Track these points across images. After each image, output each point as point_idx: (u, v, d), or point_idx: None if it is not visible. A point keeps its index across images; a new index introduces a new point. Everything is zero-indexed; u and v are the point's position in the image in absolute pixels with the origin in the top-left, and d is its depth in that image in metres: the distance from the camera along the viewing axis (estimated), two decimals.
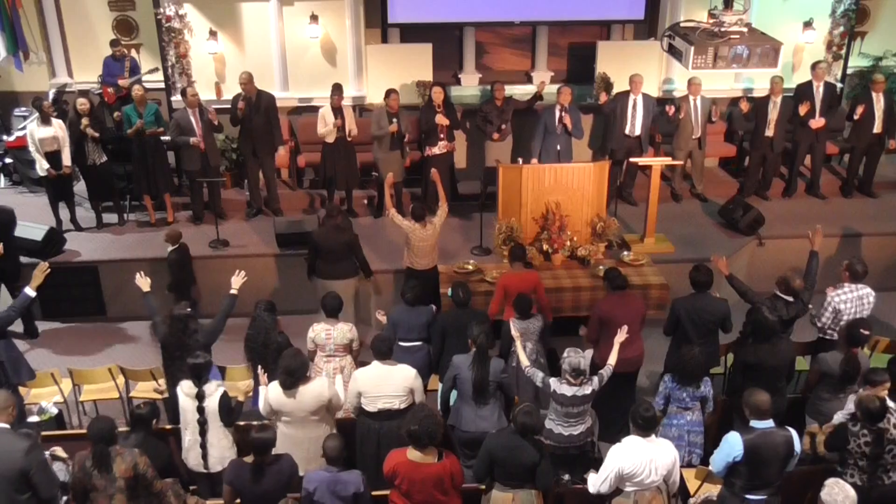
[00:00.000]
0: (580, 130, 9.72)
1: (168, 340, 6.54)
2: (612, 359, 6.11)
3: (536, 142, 9.70)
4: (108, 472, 4.98)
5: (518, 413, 5.24)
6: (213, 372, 6.26)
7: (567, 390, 5.83)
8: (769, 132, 10.02)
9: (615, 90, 10.51)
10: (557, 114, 9.54)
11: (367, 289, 8.87)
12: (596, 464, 6.07)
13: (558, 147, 9.58)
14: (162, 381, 6.46)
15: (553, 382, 5.90)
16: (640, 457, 5.15)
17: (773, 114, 9.94)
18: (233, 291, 6.87)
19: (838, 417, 5.83)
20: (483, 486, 5.51)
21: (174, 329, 6.47)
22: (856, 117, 10.04)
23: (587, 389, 5.85)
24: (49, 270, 6.72)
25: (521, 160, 9.37)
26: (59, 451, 5.66)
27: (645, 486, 5.19)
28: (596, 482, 5.24)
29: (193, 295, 8.64)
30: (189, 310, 6.47)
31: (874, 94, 10.03)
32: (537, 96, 10.11)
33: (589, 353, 6.62)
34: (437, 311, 7.32)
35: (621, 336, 6.20)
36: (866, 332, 6.30)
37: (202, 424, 5.75)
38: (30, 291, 6.66)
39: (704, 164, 10.58)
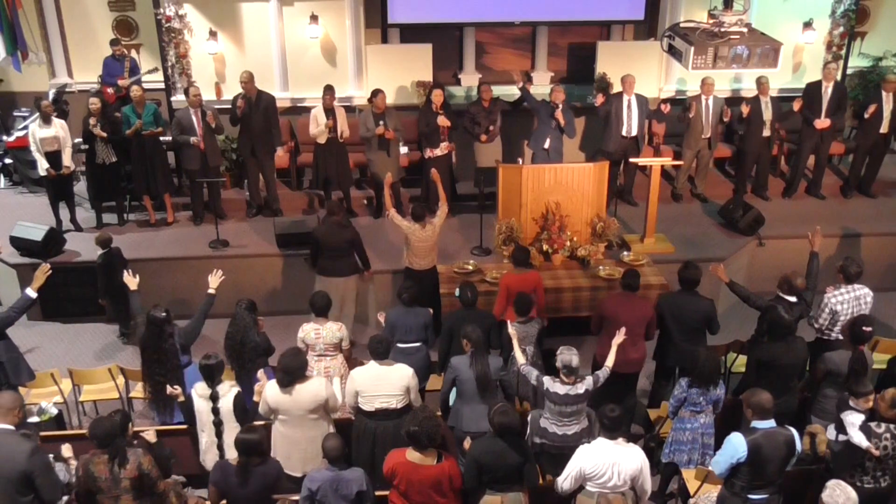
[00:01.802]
0: (573, 129, 9.71)
1: (145, 344, 6.50)
2: (610, 361, 6.11)
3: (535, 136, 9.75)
4: (125, 468, 4.99)
5: (494, 414, 5.24)
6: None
7: (560, 388, 5.84)
8: (766, 132, 10.02)
9: (615, 91, 10.51)
10: (552, 108, 9.53)
11: (366, 288, 8.87)
12: None
13: (548, 141, 9.56)
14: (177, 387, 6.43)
15: (546, 381, 5.91)
16: (603, 459, 5.16)
17: (766, 114, 9.94)
18: (210, 291, 6.86)
19: (847, 435, 5.64)
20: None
21: (150, 333, 6.43)
22: (866, 116, 10.02)
23: (580, 389, 5.85)
24: (50, 271, 6.73)
25: (520, 160, 9.38)
26: (65, 450, 5.63)
27: (608, 489, 5.19)
28: (560, 478, 5.29)
29: (133, 305, 8.68)
30: (164, 314, 6.41)
31: (884, 94, 10.00)
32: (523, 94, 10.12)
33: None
34: (434, 313, 7.30)
35: (619, 338, 6.21)
36: (868, 329, 6.29)
37: (217, 425, 5.76)
38: (31, 292, 6.66)
39: (710, 165, 10.58)
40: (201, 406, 5.84)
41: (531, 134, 9.90)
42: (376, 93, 9.44)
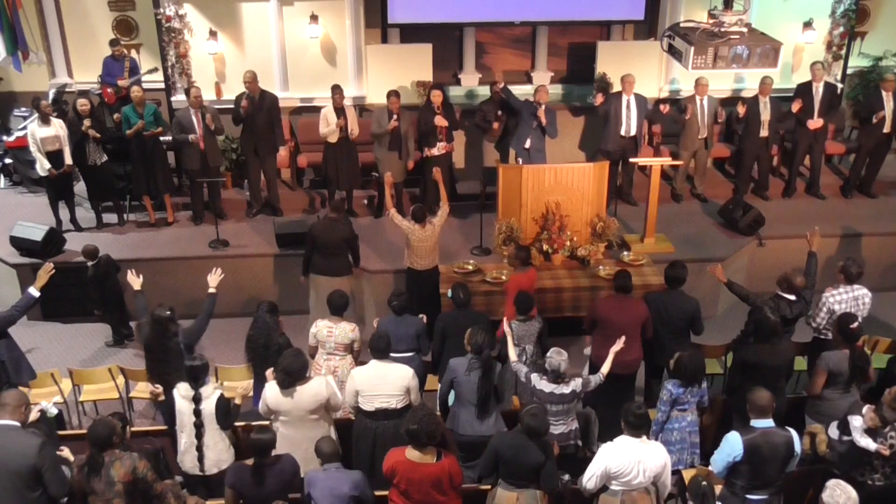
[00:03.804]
0: (555, 129, 9.70)
1: (149, 343, 6.49)
2: (605, 368, 6.11)
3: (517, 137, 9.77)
4: (100, 478, 4.98)
5: (525, 415, 5.24)
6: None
7: (546, 387, 5.87)
8: (764, 133, 10.01)
9: (614, 91, 10.51)
10: (534, 108, 9.53)
11: (360, 287, 8.87)
12: (579, 466, 6.09)
13: (529, 141, 9.56)
14: (159, 385, 6.43)
15: (534, 378, 5.94)
16: (629, 457, 5.16)
17: (764, 114, 9.93)
18: (211, 290, 6.85)
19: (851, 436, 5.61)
20: (488, 486, 5.51)
21: (154, 332, 6.42)
22: (875, 121, 10.01)
23: (565, 389, 5.87)
24: (54, 271, 6.73)
25: (520, 160, 9.38)
26: (65, 451, 5.65)
27: (632, 487, 5.19)
28: (583, 478, 5.28)
29: (129, 312, 8.64)
30: (169, 312, 6.40)
31: (884, 94, 10.01)
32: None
33: (587, 349, 6.62)
34: (431, 316, 7.26)
35: (617, 346, 6.20)
36: (855, 326, 6.26)
37: (199, 427, 5.74)
38: (34, 291, 6.67)
39: (707, 165, 10.58)
40: (183, 407, 5.80)
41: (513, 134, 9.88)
42: (390, 95, 9.45)
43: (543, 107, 9.49)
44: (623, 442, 5.21)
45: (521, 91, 10.46)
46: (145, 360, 6.68)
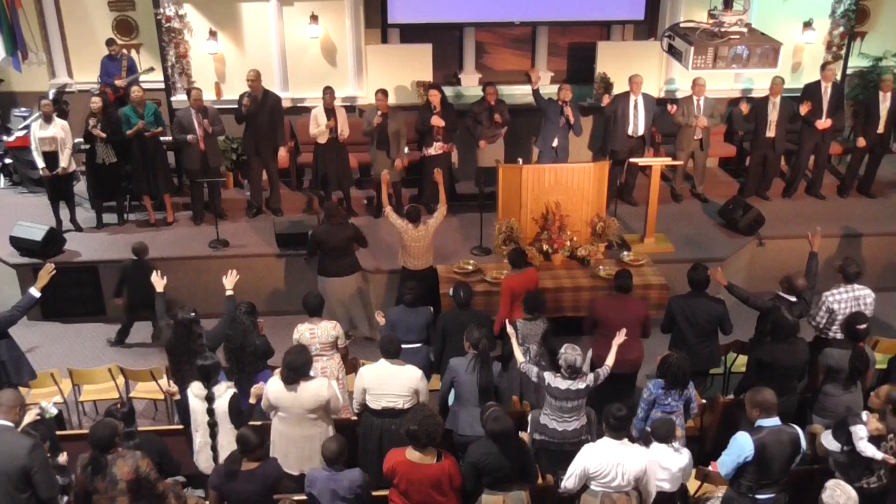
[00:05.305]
0: (580, 126, 9.75)
1: (173, 346, 6.51)
2: (610, 360, 6.12)
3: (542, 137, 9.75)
4: (104, 478, 4.98)
5: (487, 420, 5.23)
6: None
7: (561, 384, 5.86)
8: (770, 133, 10.00)
9: (615, 90, 10.52)
10: (560, 107, 9.54)
11: (370, 285, 8.87)
12: None
13: (556, 141, 9.58)
14: (170, 382, 6.43)
15: (547, 376, 5.93)
16: (608, 458, 5.16)
17: (772, 115, 9.93)
18: (228, 293, 6.82)
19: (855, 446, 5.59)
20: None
21: (179, 334, 6.44)
22: (880, 131, 10.05)
23: (581, 384, 5.88)
24: (55, 271, 6.73)
25: (520, 160, 9.38)
26: (61, 458, 5.65)
27: (612, 489, 5.19)
28: (564, 477, 5.30)
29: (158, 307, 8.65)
30: (193, 314, 6.42)
31: (881, 94, 10.02)
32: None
33: (589, 352, 6.61)
34: (435, 312, 7.31)
35: (619, 339, 6.21)
36: (862, 327, 6.27)
37: (212, 426, 5.75)
38: (34, 292, 6.67)
39: (706, 165, 10.58)
40: (196, 406, 5.81)
41: (538, 133, 9.88)
42: (377, 93, 9.47)
43: (569, 104, 9.51)
44: (604, 443, 5.22)
45: (522, 91, 10.47)
46: (169, 364, 6.70)
